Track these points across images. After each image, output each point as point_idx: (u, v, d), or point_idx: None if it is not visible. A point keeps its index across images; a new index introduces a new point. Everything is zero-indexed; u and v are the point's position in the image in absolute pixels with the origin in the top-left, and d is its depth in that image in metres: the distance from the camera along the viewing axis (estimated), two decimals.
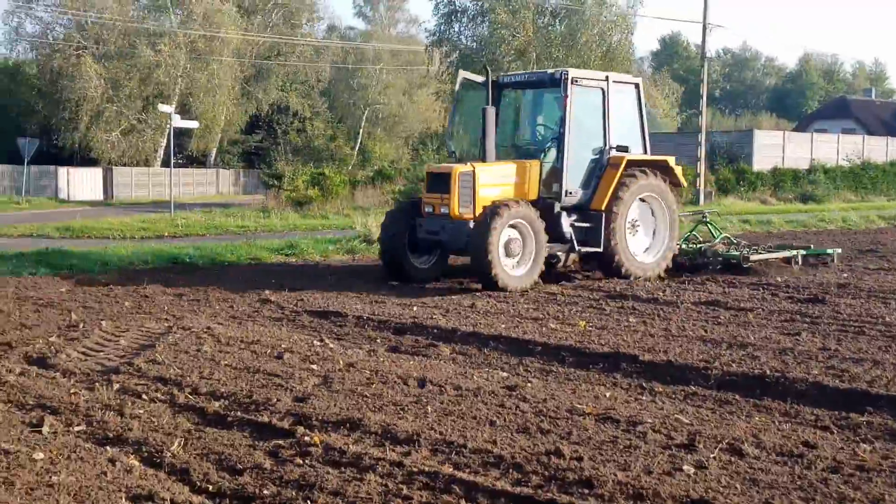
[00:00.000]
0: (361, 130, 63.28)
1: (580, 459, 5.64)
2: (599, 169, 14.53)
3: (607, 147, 14.56)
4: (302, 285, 14.47)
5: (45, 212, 37.37)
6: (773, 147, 51.18)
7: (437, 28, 46.13)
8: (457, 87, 14.99)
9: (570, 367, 8.61)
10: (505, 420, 6.63)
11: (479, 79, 14.69)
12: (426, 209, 14.19)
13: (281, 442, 6.13)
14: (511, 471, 5.50)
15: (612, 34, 42.88)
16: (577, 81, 14.19)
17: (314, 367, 8.45)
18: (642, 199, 14.95)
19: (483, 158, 14.18)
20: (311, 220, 29.49)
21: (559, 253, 14.66)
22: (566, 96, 13.83)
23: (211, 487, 5.34)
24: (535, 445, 5.98)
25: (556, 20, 43.10)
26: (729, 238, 18.04)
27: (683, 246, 16.77)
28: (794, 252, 16.79)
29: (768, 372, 8.03)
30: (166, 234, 25.00)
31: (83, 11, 51.80)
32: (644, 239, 15.33)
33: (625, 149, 14.48)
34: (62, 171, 49.52)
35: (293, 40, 60.08)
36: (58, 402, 7.22)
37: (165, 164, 45.40)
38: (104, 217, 31.44)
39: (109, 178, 51.22)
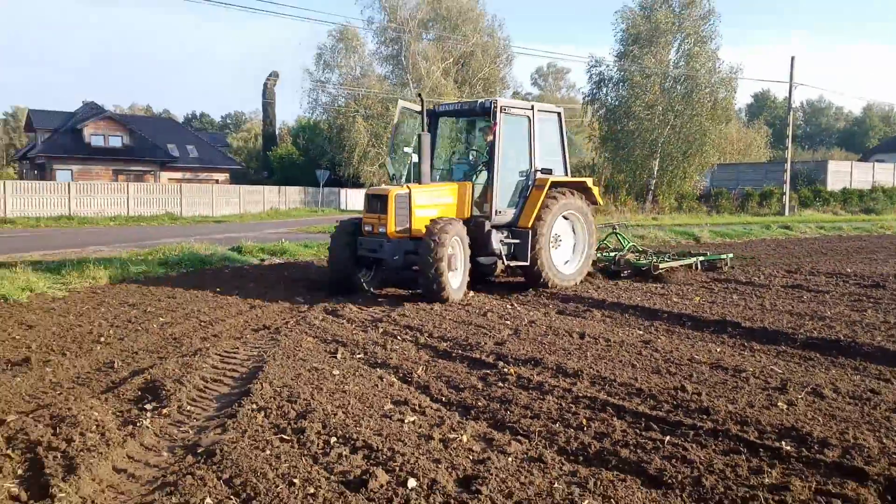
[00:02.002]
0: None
1: (699, 394, 5.39)
2: (526, 190, 11.23)
3: (533, 169, 11.25)
4: None
5: (331, 217, 39.18)
6: (843, 173, 47.68)
7: (589, 91, 45.23)
8: (396, 115, 11.35)
9: (689, 329, 8.21)
10: (642, 364, 6.42)
11: (416, 107, 11.14)
12: (365, 228, 10.52)
13: (487, 371, 6.16)
14: (648, 399, 5.32)
15: (718, 92, 40.69)
16: (505, 110, 10.84)
17: (507, 322, 8.46)
18: (565, 217, 11.58)
19: (419, 181, 10.69)
20: None
21: (491, 265, 11.17)
22: (495, 123, 10.63)
23: (444, 399, 5.48)
24: (665, 382, 5.76)
25: (677, 83, 41.28)
26: (635, 247, 14.67)
27: (598, 255, 13.32)
28: (693, 259, 13.39)
29: (842, 337, 7.38)
30: None
31: (356, 88, 54.16)
32: (566, 251, 11.94)
33: (549, 171, 11.20)
34: (343, 191, 51.67)
35: None
36: (345, 339, 7.53)
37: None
38: None
39: None
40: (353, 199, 51.59)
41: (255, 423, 4.70)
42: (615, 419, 4.87)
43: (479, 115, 11.50)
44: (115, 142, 48.65)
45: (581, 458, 4.23)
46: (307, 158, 55.99)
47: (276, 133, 63.31)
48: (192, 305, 9.41)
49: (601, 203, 13.03)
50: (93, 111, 50.54)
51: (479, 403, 5.27)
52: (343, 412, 4.94)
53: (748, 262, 15.52)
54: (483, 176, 11.14)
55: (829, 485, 3.75)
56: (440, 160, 12.29)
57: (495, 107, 10.66)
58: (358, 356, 6.75)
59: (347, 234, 10.59)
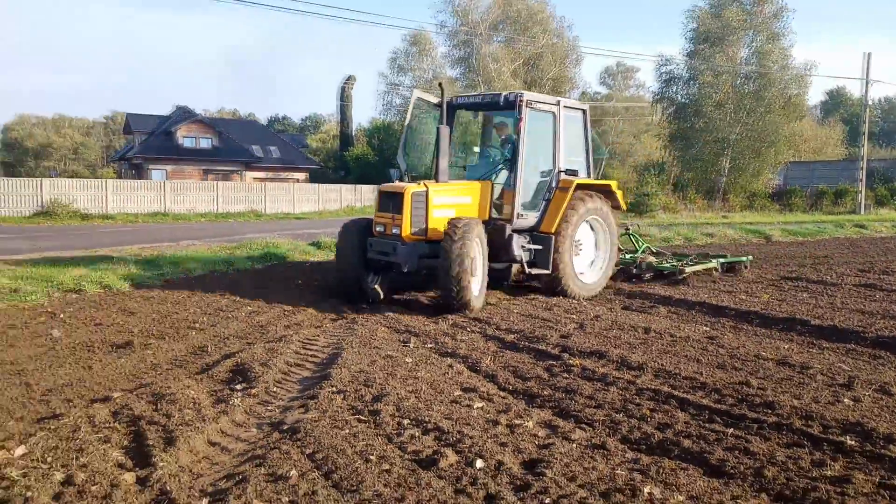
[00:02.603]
0: (603, 162, 61.82)
1: (764, 389, 5.31)
2: (548, 192, 9.99)
3: (556, 170, 9.98)
4: None
5: None
6: None
7: (659, 89, 44.29)
8: (410, 107, 10.01)
9: (756, 326, 8.03)
10: (707, 359, 6.34)
11: (434, 99, 10.01)
12: (377, 229, 9.26)
13: (552, 362, 6.22)
14: (712, 393, 5.27)
15: (790, 90, 39.18)
16: (531, 104, 9.58)
17: (573, 316, 8.46)
18: (587, 222, 10.43)
19: (436, 178, 9.36)
20: None
21: (504, 269, 10.31)
22: (521, 118, 9.40)
23: (510, 387, 5.57)
24: (730, 377, 5.69)
25: (748, 80, 39.96)
26: (650, 248, 13.28)
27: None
28: (715, 261, 12.44)
29: None
30: None
31: (428, 90, 54.61)
32: (586, 258, 10.67)
33: (574, 172, 10.03)
34: None
35: None
36: (416, 329, 7.71)
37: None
38: None
39: None
40: None
41: (334, 404, 4.91)
42: (678, 411, 4.86)
43: (501, 109, 10.16)
44: (205, 143, 50.59)
45: (643, 447, 4.25)
46: (381, 158, 56.81)
47: (352, 134, 64.43)
48: (276, 296, 9.78)
49: (625, 207, 11.58)
50: (184, 115, 52.71)
51: (545, 392, 5.34)
52: (415, 397, 5.10)
53: (820, 260, 14.95)
54: (502, 175, 9.93)
55: (894, 479, 3.66)
56: (454, 157, 10.93)
57: (521, 101, 9.44)
58: (428, 345, 6.91)
59: (356, 235, 9.38)
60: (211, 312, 8.57)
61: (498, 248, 9.44)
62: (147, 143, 48.75)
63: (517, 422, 4.61)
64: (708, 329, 7.83)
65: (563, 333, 7.41)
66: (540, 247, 9.82)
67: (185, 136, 49.91)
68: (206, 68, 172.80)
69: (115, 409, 4.87)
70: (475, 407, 4.91)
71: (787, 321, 8.11)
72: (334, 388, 5.26)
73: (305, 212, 39.24)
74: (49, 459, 3.91)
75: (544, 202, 10.01)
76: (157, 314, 8.37)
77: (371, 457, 3.94)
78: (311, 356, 6.48)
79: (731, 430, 4.44)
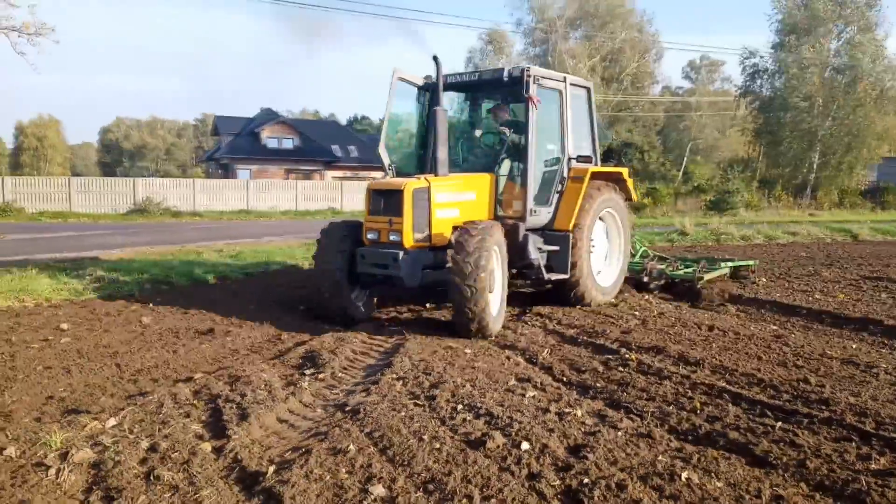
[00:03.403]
0: (685, 158, 60.23)
1: (822, 387, 5.28)
2: (560, 183, 8.52)
3: (567, 157, 8.52)
4: None
5: None
6: None
7: (743, 83, 42.89)
8: (390, 91, 8.12)
9: (826, 326, 7.87)
10: (769, 357, 6.31)
11: (419, 81, 8.55)
12: (369, 236, 7.52)
13: (609, 357, 6.33)
14: (768, 389, 5.29)
15: (884, 82, 37.19)
16: (538, 80, 8.05)
17: (636, 313, 8.49)
18: (600, 217, 9.07)
19: (434, 172, 7.75)
20: (644, 219, 28.75)
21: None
22: (531, 98, 7.87)
23: (564, 378, 5.74)
24: (789, 374, 5.67)
25: (838, 73, 38.17)
26: (647, 251, 11.60)
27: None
28: (727, 266, 11.03)
29: None
30: None
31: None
32: (598, 258, 9.26)
33: (587, 159, 8.59)
34: None
35: (637, 97, 58.64)
36: None
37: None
38: None
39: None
40: None
41: (394, 389, 5.22)
42: (730, 405, 4.91)
43: (503, 88, 8.66)
44: (288, 144, 52.37)
45: (690, 437, 4.35)
46: None
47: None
48: None
49: (636, 199, 10.12)
50: (268, 116, 54.77)
51: (598, 384, 5.48)
52: (471, 385, 5.34)
53: None
54: (504, 166, 8.49)
55: None
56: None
57: (528, 76, 7.85)
58: (489, 338, 7.13)
59: (341, 244, 7.72)
60: (285, 303, 9.06)
61: (511, 253, 7.86)
62: (233, 144, 50.89)
63: (567, 410, 4.79)
64: (776, 328, 7.73)
65: (624, 329, 7.48)
66: (556, 247, 8.46)
67: (269, 137, 51.81)
68: (288, 69, 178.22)
69: (196, 388, 5.33)
70: (528, 395, 5.11)
71: (860, 321, 7.91)
72: (395, 375, 5.57)
73: None
74: (136, 430, 4.37)
75: (556, 195, 8.57)
76: (237, 305, 8.92)
77: (424, 436, 4.22)
78: (375, 346, 6.83)
79: (781, 423, 4.47)
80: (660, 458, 3.95)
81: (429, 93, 8.73)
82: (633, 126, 59.41)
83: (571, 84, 8.73)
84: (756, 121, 42.27)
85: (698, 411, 4.79)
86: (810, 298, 9.52)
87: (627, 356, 6.26)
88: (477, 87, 8.96)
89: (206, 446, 4.13)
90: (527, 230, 8.21)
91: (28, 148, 77.47)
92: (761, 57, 40.92)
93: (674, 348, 6.51)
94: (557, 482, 3.61)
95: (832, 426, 4.41)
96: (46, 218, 28.34)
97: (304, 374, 5.70)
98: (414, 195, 7.31)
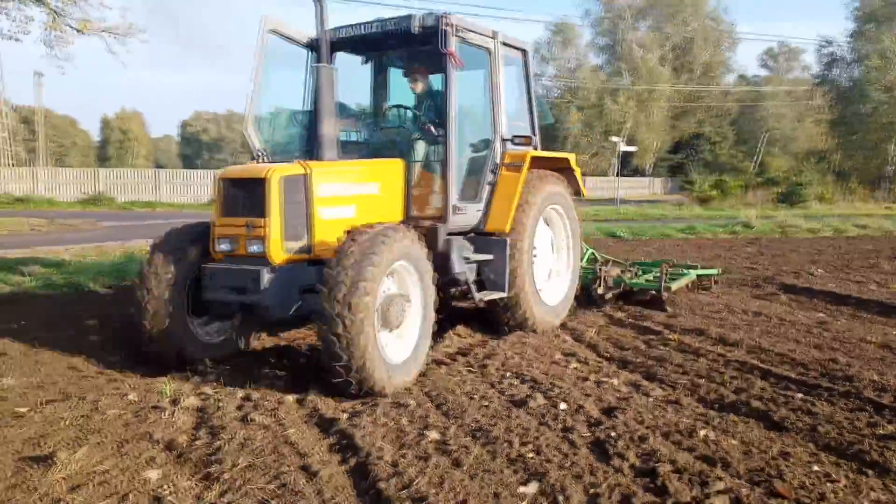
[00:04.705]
0: (759, 149, 58.70)
1: (849, 366, 5.59)
2: (491, 172, 6.54)
3: (499, 138, 6.52)
4: (690, 252, 14.32)
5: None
6: None
7: (820, 73, 41.61)
8: (259, 48, 5.87)
9: (873, 315, 8.01)
10: (806, 340, 6.61)
11: (299, 36, 6.31)
12: (221, 247, 5.36)
13: (652, 337, 6.78)
14: (797, 367, 5.64)
15: None
16: (460, 33, 5.93)
17: (684, 299, 8.82)
18: (543, 217, 7.17)
19: (318, 155, 5.63)
20: (710, 211, 28.50)
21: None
22: (450, 54, 5.71)
23: (607, 355, 6.23)
24: (822, 355, 5.97)
25: None
26: (594, 254, 9.49)
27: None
28: (691, 275, 9.26)
29: None
30: (610, 218, 25.78)
31: (571, 82, 54.69)
32: (543, 269, 7.31)
33: (526, 140, 6.61)
34: None
35: (708, 88, 57.41)
36: None
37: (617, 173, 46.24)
38: (577, 207, 32.88)
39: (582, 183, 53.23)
40: None
41: (454, 362, 5.87)
42: (758, 380, 5.31)
43: (412, 43, 6.38)
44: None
45: (715, 406, 4.81)
46: None
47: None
48: None
49: (585, 193, 7.97)
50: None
51: (637, 360, 5.96)
52: (519, 357, 5.92)
53: None
54: (418, 150, 6.40)
55: None
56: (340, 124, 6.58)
57: (446, 25, 5.71)
58: None
59: (177, 259, 5.44)
60: None
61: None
62: None
63: (604, 380, 5.31)
64: (823, 316, 7.97)
65: (671, 314, 7.88)
66: (490, 256, 6.48)
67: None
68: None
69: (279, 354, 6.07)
70: (570, 367, 5.66)
71: None
72: (454, 349, 6.21)
73: None
74: (231, 384, 5.15)
75: (488, 187, 6.57)
76: None
77: (474, 396, 4.83)
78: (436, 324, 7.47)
79: (802, 395, 4.88)
80: (683, 420, 4.44)
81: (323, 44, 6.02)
82: (703, 117, 58.32)
83: (504, 44, 6.68)
84: (832, 111, 40.97)
85: (727, 384, 5.22)
86: (864, 289, 9.64)
87: (669, 337, 6.71)
88: (378, 42, 6.59)
89: (290, 398, 4.85)
90: (449, 234, 6.13)
91: (114, 141, 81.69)
92: (838, 46, 39.64)
93: (715, 331, 6.90)
94: (587, 434, 4.16)
95: (850, 398, 4.79)
96: (137, 207, 30.25)
97: None
98: (283, 187, 5.15)
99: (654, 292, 8.33)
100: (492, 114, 6.57)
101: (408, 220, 6.12)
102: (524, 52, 7.17)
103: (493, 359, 5.83)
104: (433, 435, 4.13)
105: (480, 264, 6.52)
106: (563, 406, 4.63)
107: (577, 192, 7.75)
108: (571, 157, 7.66)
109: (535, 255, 6.97)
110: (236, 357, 5.96)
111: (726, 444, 4.03)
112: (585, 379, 5.32)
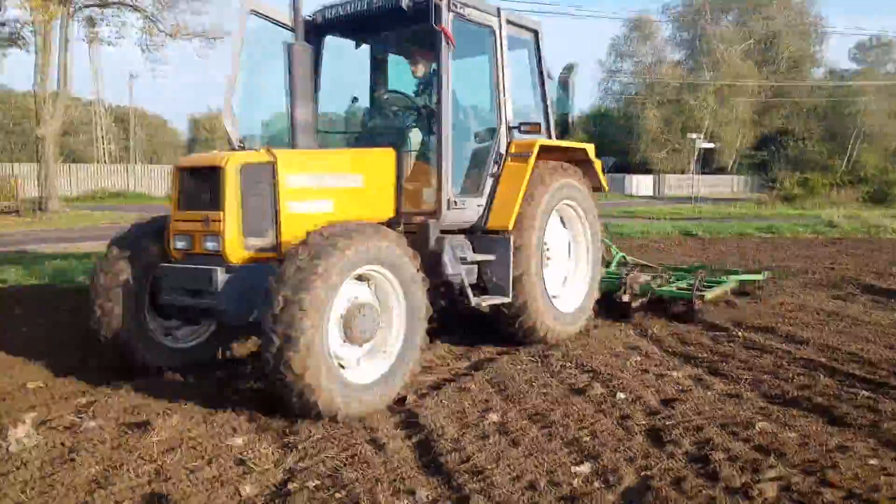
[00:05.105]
0: (854, 146, 55.91)
1: None
2: (495, 162, 6.00)
3: (504, 125, 6.02)
4: (768, 251, 14.05)
5: (614, 201, 39.30)
6: None
7: None
8: (240, 25, 5.44)
9: None
10: (879, 340, 6.44)
11: (282, 17, 5.68)
12: (178, 244, 4.87)
13: (719, 333, 6.75)
14: (866, 365, 5.55)
15: None
16: (456, 7, 5.42)
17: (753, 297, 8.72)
18: (556, 211, 6.49)
19: (292, 142, 5.12)
20: (793, 210, 27.46)
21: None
22: (443, 31, 5.25)
23: (670, 349, 6.25)
24: (893, 355, 5.85)
25: None
26: (625, 258, 9.06)
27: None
28: (732, 281, 8.39)
29: None
30: (685, 216, 25.24)
31: (648, 75, 53.64)
32: (557, 273, 6.68)
33: (535, 127, 6.03)
34: (628, 177, 51.59)
35: (794, 83, 55.13)
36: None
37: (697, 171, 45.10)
38: (653, 206, 32.51)
39: (658, 181, 52.21)
40: (639, 185, 51.15)
41: (517, 352, 6.06)
42: (823, 377, 5.27)
43: (404, 22, 5.72)
44: None
45: (777, 401, 4.81)
46: (597, 146, 56.76)
47: (571, 122, 64.92)
48: None
49: (606, 187, 7.41)
50: None
51: (701, 355, 5.99)
52: (582, 349, 6.06)
53: None
54: (414, 139, 5.91)
55: None
56: (329, 111, 6.71)
57: (437, 2, 5.26)
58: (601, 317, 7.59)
59: (136, 255, 5.06)
60: None
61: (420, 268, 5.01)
62: None
63: (665, 373, 5.39)
64: None
65: (734, 311, 7.78)
66: (492, 256, 5.89)
67: None
68: None
69: None
70: (632, 359, 5.75)
71: None
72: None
73: None
74: None
75: (491, 180, 6.02)
76: None
77: (535, 383, 5.02)
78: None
79: (867, 392, 4.83)
80: (742, 412, 4.49)
81: (311, 34, 5.86)
82: (789, 112, 56.08)
83: (510, 22, 6.19)
84: None
85: (791, 380, 5.21)
86: None
87: (736, 333, 6.68)
88: (370, 23, 6.06)
89: None
90: (445, 232, 5.64)
91: (201, 139, 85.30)
92: None
93: (784, 329, 6.83)
94: (644, 422, 4.29)
95: None
96: None
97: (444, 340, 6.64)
98: (243, 176, 4.63)
99: (684, 302, 7.39)
100: (498, 98, 6.08)
101: (400, 216, 5.57)
102: (535, 32, 6.62)
103: (555, 350, 5.99)
104: (493, 417, 4.34)
105: (482, 266, 5.93)
106: (621, 395, 4.76)
107: (597, 187, 7.10)
108: (589, 148, 6.95)
109: (547, 258, 6.43)
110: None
111: (783, 436, 4.08)
112: (646, 371, 5.41)
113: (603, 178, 7.18)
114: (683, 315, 7.36)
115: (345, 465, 3.64)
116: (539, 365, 5.57)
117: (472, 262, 5.82)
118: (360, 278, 4.54)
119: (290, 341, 3.97)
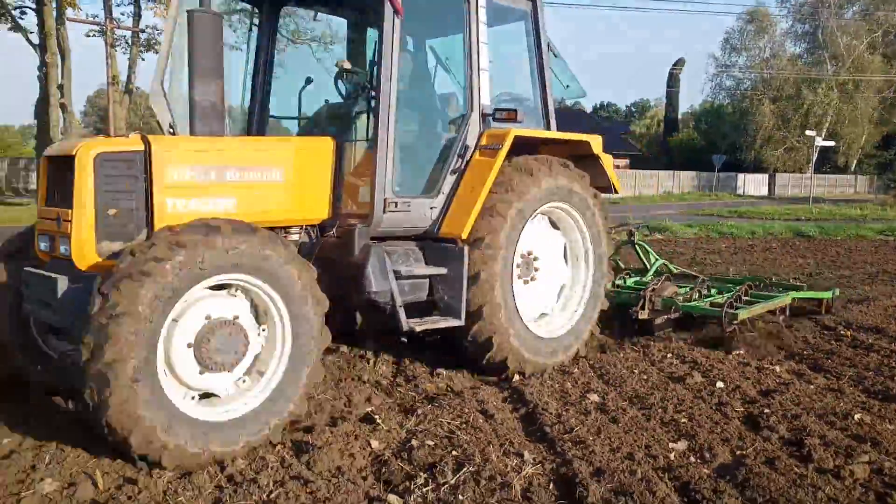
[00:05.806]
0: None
1: None
2: (458, 155, 4.98)
3: (476, 113, 5.03)
4: (886, 254, 13.44)
5: (724, 200, 37.99)
6: None
7: None
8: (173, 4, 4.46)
9: None
10: None
11: None
12: (40, 244, 4.08)
13: (825, 331, 6.76)
14: None
15: None
16: None
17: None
18: (543, 215, 5.41)
19: (191, 127, 4.16)
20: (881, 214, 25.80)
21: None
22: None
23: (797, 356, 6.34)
24: None
25: None
26: (667, 265, 7.70)
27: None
28: (783, 298, 6.86)
29: None
30: (802, 217, 24.21)
31: (764, 70, 51.35)
32: (546, 291, 5.57)
33: (511, 114, 5.03)
34: (740, 175, 49.57)
35: None
36: None
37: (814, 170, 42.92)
38: (763, 206, 31.31)
39: (773, 181, 49.93)
40: (752, 185, 49.17)
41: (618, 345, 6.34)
42: None
43: None
44: None
45: (879, 396, 4.86)
46: (707, 143, 54.97)
47: (678, 119, 63.09)
48: None
49: (618, 189, 6.05)
50: None
51: (805, 352, 6.04)
52: (683, 341, 6.23)
53: None
54: (361, 126, 5.00)
55: None
56: (282, 100, 5.71)
57: None
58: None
59: (19, 259, 4.34)
60: None
61: (339, 279, 4.57)
62: None
63: (767, 366, 5.51)
64: None
65: (847, 313, 7.67)
66: (442, 270, 4.91)
67: None
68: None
69: None
70: (733, 353, 5.89)
71: None
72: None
73: (622, 196, 40.25)
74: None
75: (451, 177, 5.06)
76: None
77: (635, 370, 5.30)
78: None
79: None
80: (841, 405, 4.60)
81: (263, 7, 5.43)
82: None
83: None
84: None
85: (895, 378, 5.23)
86: None
87: (843, 332, 6.66)
88: None
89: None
90: (383, 238, 4.82)
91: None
92: None
93: (894, 329, 6.74)
94: (741, 409, 4.49)
95: None
96: None
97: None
98: (101, 168, 3.80)
99: (717, 321, 6.17)
100: (470, 81, 5.08)
101: (333, 217, 4.74)
102: (533, 1, 5.60)
103: (656, 341, 6.21)
104: (594, 397, 4.67)
105: (433, 281, 4.94)
106: (720, 384, 4.96)
107: (605, 187, 5.90)
108: (594, 141, 5.70)
109: (536, 271, 5.44)
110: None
111: (881, 427, 4.19)
112: (747, 364, 5.55)
113: (613, 178, 5.92)
114: (714, 339, 6.16)
115: (458, 429, 4.07)
116: (640, 354, 5.80)
117: (414, 277, 4.80)
118: (229, 286, 3.77)
119: (102, 398, 3.26)
